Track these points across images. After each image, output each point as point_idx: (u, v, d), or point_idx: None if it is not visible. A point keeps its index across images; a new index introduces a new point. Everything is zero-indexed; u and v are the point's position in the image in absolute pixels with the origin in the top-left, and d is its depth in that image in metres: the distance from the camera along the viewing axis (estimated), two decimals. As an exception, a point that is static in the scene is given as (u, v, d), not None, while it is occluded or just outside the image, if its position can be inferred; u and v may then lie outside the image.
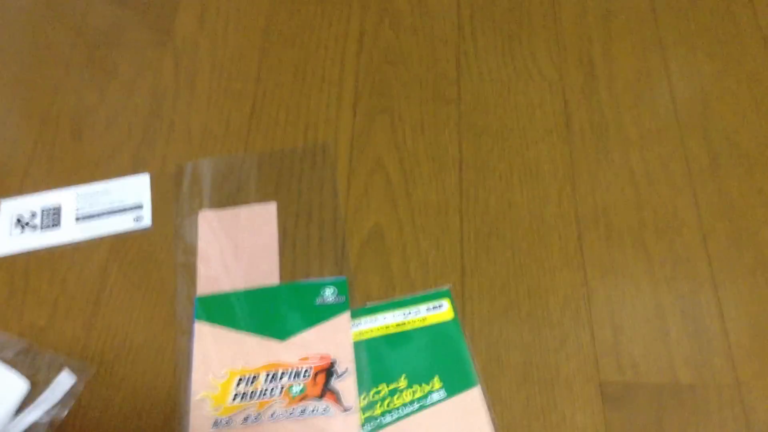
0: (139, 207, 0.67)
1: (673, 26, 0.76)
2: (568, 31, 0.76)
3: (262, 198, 0.67)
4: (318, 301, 0.61)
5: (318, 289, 0.62)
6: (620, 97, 0.71)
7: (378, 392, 0.56)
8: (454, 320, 0.59)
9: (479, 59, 0.75)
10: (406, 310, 0.60)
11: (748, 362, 0.57)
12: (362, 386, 0.56)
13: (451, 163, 0.68)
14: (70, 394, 0.57)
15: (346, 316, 0.60)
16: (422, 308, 0.60)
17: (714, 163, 0.67)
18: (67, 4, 0.82)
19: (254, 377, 0.57)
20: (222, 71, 0.76)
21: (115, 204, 0.67)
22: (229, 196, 0.67)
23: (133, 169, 0.69)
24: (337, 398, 0.56)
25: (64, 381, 0.57)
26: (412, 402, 0.55)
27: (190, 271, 0.63)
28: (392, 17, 0.79)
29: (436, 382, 0.56)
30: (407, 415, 0.55)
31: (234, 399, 0.56)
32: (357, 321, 0.60)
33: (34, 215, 0.66)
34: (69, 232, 0.65)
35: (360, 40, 0.77)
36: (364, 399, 0.56)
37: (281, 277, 0.63)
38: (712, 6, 0.77)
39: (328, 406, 0.55)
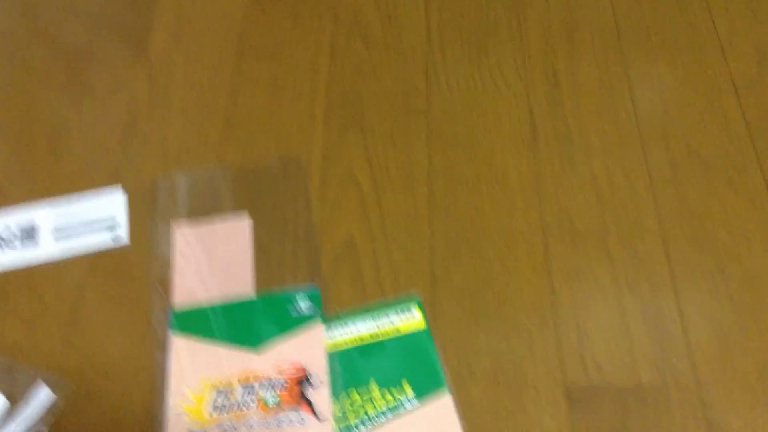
0: (116, 222, 0.68)
1: (635, 38, 0.78)
2: (533, 42, 0.79)
3: (237, 211, 0.69)
4: (291, 310, 0.62)
5: (292, 299, 0.63)
6: (584, 108, 0.74)
7: (352, 402, 0.58)
8: (426, 329, 0.61)
9: (447, 71, 0.77)
10: (376, 317, 0.62)
11: (708, 363, 0.59)
12: (336, 396, 0.58)
13: (421, 174, 0.70)
14: (49, 410, 0.58)
15: (320, 326, 0.61)
16: (392, 315, 0.62)
17: (674, 170, 0.69)
18: (42, 20, 0.82)
19: (230, 389, 0.58)
20: (196, 86, 0.77)
21: (92, 219, 0.68)
22: (204, 210, 0.69)
23: (110, 185, 0.70)
24: (312, 408, 0.57)
25: (43, 397, 0.58)
26: (384, 411, 0.57)
27: (165, 285, 0.64)
28: (362, 31, 0.81)
29: (408, 390, 0.58)
30: (381, 423, 0.57)
31: (211, 412, 0.57)
32: (329, 329, 0.61)
33: (10, 232, 0.67)
34: (46, 249, 0.66)
35: (331, 54, 0.79)
36: (338, 409, 0.57)
37: (256, 288, 0.64)
38: (672, 17, 0.80)
39: (303, 417, 0.57)
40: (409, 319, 0.62)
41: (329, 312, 0.62)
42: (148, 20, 0.82)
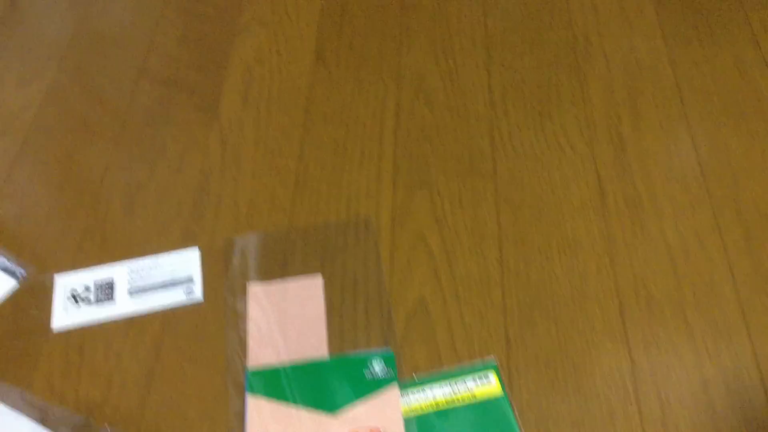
0: (190, 281, 0.69)
1: (698, 103, 0.79)
2: (596, 107, 0.80)
3: (308, 271, 0.69)
4: (366, 374, 0.62)
5: (366, 361, 0.63)
6: (651, 172, 0.74)
7: (432, 468, 0.57)
8: (503, 396, 0.60)
9: (512, 135, 0.79)
10: (453, 383, 0.61)
11: (795, 435, 0.58)
12: (415, 461, 0.57)
13: (491, 237, 0.71)
14: (125, 470, 0.58)
15: (395, 389, 0.61)
16: (469, 381, 0.61)
17: (746, 235, 0.69)
18: (116, 84, 0.86)
19: (309, 453, 0.58)
20: (266, 148, 0.79)
21: (167, 278, 0.69)
22: (276, 270, 0.69)
23: (183, 244, 0.72)
24: (390, 474, 0.56)
25: (121, 457, 0.58)
26: (467, 478, 0.56)
27: (240, 344, 0.65)
28: (426, 94, 0.83)
29: (489, 458, 0.57)
30: (460, 490, 0.56)
31: (289, 475, 0.57)
32: (405, 394, 0.61)
33: (87, 289, 0.68)
34: (122, 306, 0.67)
35: (396, 117, 0.81)
36: (417, 474, 0.57)
37: (329, 349, 0.64)
38: (733, 82, 0.81)
39: (382, 482, 0.56)
40: (486, 385, 0.61)
41: (404, 375, 0.62)
42: (218, 83, 0.85)
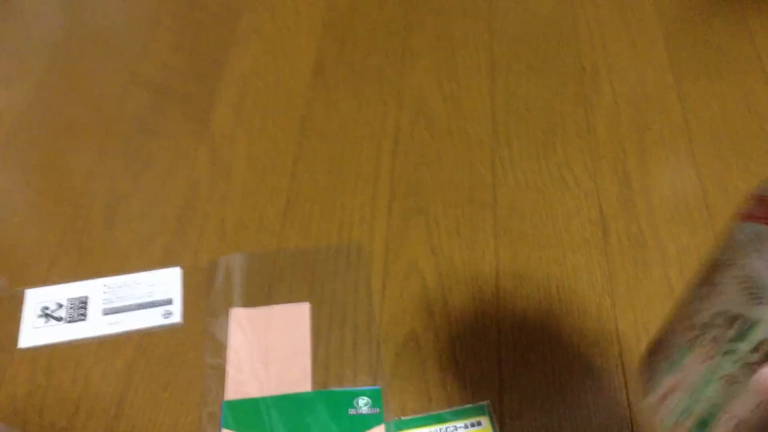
0: (169, 302, 0.65)
1: (705, 140, 0.77)
2: (602, 140, 0.77)
3: (295, 297, 0.66)
4: (351, 411, 0.59)
5: (352, 397, 0.60)
6: (656, 210, 0.71)
7: None
8: (496, 442, 0.57)
9: (514, 164, 0.76)
10: (442, 427, 0.58)
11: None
12: None
13: (488, 270, 0.68)
14: (88, 505, 0.54)
15: (380, 429, 0.58)
16: (460, 426, 0.58)
17: (753, 282, 0.66)
18: (105, 89, 0.82)
19: (285, 496, 0.54)
20: (257, 164, 0.75)
21: (144, 298, 0.65)
22: (261, 294, 0.66)
23: (165, 262, 0.68)
24: None
25: (83, 491, 0.54)
26: None
27: (218, 373, 0.61)
28: (427, 118, 0.80)
29: None
30: None
31: None
32: (391, 435, 0.57)
33: (60, 306, 0.64)
34: (95, 326, 0.63)
35: (395, 139, 0.78)
36: None
37: (313, 383, 0.61)
38: (743, 121, 0.79)
39: None
40: (477, 429, 0.58)
41: (391, 414, 0.59)
42: (211, 94, 0.82)
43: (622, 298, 0.65)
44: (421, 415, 0.59)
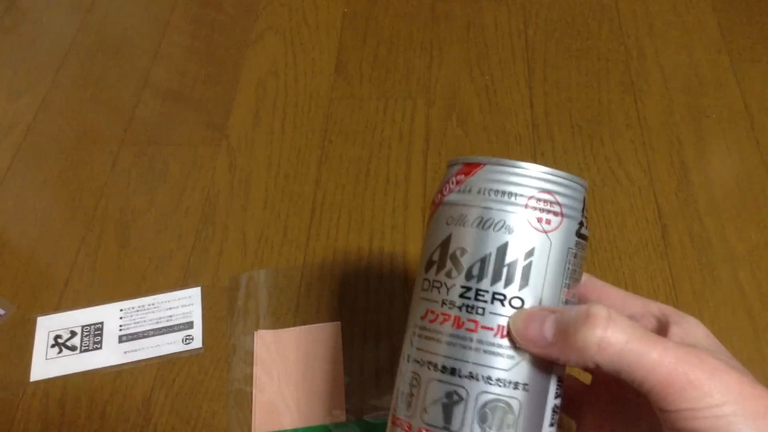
0: (190, 326, 0.60)
1: (771, 126, 0.70)
2: (654, 130, 0.70)
3: (325, 315, 0.60)
4: (391, 442, 0.53)
5: (390, 427, 0.54)
6: (720, 206, 0.64)
7: None
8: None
9: (557, 160, 0.69)
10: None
11: None
12: None
13: (535, 279, 0.61)
14: None
15: (424, 463, 0.52)
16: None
17: (836, 283, 0.59)
18: (116, 98, 0.78)
19: None
20: (279, 172, 0.70)
21: (163, 322, 0.60)
22: (288, 314, 0.61)
23: (183, 282, 0.63)
24: None
25: None
26: None
27: (244, 401, 0.56)
28: (460, 113, 0.74)
29: None
30: None
31: None
32: (437, 468, 0.51)
33: (73, 335, 0.60)
34: (111, 355, 0.59)
35: (426, 138, 0.72)
36: None
37: (347, 410, 0.55)
38: (810, 103, 0.71)
39: None
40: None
41: (435, 446, 0.53)
42: (228, 98, 0.77)
43: (688, 305, 0.58)
44: (468, 446, 0.53)
